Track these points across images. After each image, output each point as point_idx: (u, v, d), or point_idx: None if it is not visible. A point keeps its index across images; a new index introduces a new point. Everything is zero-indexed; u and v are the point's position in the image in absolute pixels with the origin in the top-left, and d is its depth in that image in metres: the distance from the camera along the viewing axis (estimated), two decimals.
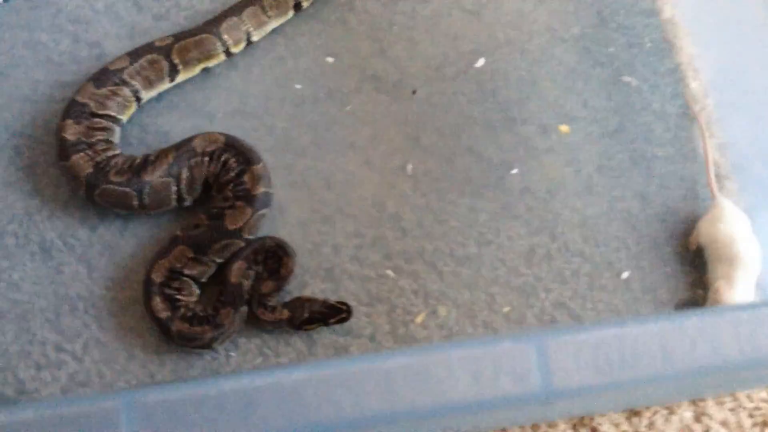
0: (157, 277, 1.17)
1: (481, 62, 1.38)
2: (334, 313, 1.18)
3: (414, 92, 1.35)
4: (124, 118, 1.28)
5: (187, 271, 1.18)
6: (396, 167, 1.31)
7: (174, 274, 1.18)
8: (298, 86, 1.35)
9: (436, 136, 1.33)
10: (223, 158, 1.22)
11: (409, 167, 1.31)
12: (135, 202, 1.21)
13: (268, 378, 0.77)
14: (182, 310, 1.17)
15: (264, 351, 1.20)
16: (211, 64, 1.33)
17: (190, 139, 1.23)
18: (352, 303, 1.20)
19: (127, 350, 1.19)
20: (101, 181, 1.20)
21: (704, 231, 1.24)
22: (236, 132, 1.29)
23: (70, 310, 1.21)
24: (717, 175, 1.31)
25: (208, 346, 1.17)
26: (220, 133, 1.24)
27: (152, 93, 1.30)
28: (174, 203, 1.23)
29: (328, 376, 0.76)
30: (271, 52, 1.37)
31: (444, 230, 1.27)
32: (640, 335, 0.80)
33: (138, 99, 1.29)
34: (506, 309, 1.23)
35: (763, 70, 1.41)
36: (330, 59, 1.37)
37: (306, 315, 1.17)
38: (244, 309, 1.18)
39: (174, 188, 1.21)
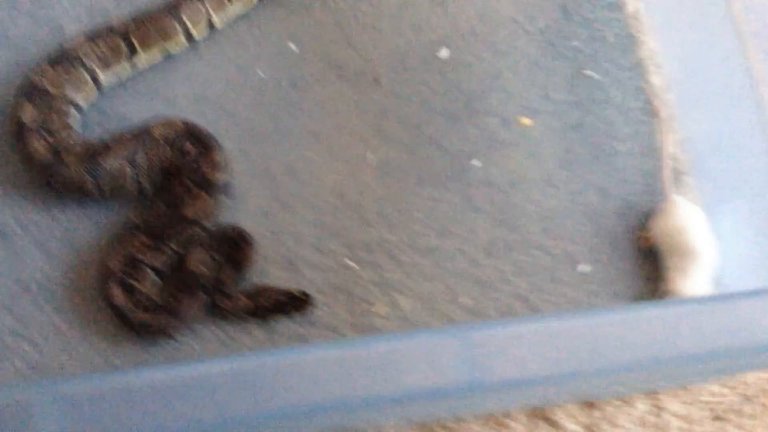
0: (115, 266, 1.16)
1: (444, 53, 1.38)
2: (294, 303, 1.17)
3: (377, 82, 1.35)
4: (82, 101, 1.26)
5: (145, 260, 1.18)
6: (358, 157, 1.31)
7: (132, 263, 1.17)
8: (261, 73, 1.34)
9: (399, 126, 1.33)
10: (182, 145, 1.21)
11: (372, 157, 1.31)
12: (92, 188, 1.19)
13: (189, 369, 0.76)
14: (140, 298, 1.16)
15: (223, 339, 1.19)
16: (171, 48, 1.31)
17: (149, 125, 1.22)
18: (312, 292, 1.20)
19: (84, 337, 1.18)
20: (57, 166, 1.18)
21: (657, 227, 1.25)
22: (198, 119, 1.28)
23: (28, 296, 1.19)
24: (675, 171, 1.33)
25: (167, 334, 1.16)
26: (180, 120, 1.23)
27: (111, 76, 1.28)
28: (132, 189, 1.22)
29: (248, 368, 0.75)
30: (233, 39, 1.36)
31: (405, 221, 1.27)
32: (565, 330, 0.81)
33: (96, 81, 1.27)
34: (465, 300, 1.24)
35: (723, 67, 1.42)
36: (293, 46, 1.36)
37: (265, 303, 1.17)
38: (204, 297, 1.18)
39: (132, 175, 1.20)
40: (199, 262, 1.18)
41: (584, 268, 1.27)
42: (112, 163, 1.19)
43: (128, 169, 1.20)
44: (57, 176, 1.19)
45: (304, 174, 1.29)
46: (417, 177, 1.30)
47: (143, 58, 1.30)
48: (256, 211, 1.26)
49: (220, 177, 1.19)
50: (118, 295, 1.15)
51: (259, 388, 0.75)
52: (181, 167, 1.20)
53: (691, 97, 1.39)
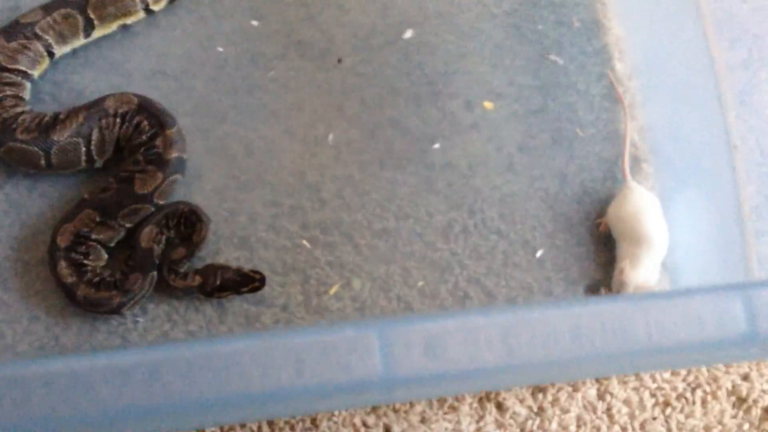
0: (63, 242, 1.14)
1: (409, 33, 1.36)
2: (247, 282, 1.16)
3: (340, 61, 1.33)
4: (35, 73, 1.24)
5: (94, 236, 1.16)
6: (318, 137, 1.29)
7: (80, 239, 1.15)
8: (220, 49, 1.32)
9: (360, 107, 1.31)
10: (135, 120, 1.19)
11: (331, 137, 1.29)
12: (42, 161, 1.17)
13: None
14: (89, 275, 1.14)
15: (173, 317, 1.18)
16: (129, 20, 1.29)
17: (102, 99, 1.20)
18: (266, 272, 1.19)
19: (30, 312, 1.17)
20: (7, 138, 1.16)
21: (613, 212, 1.25)
22: (154, 93, 1.26)
23: None
24: (634, 158, 1.33)
25: (115, 311, 1.15)
26: (134, 94, 1.21)
27: (66, 49, 1.26)
28: (83, 164, 1.20)
29: (176, 357, 0.75)
30: (194, 12, 1.33)
31: (363, 202, 1.27)
32: (486, 325, 0.81)
33: (51, 54, 1.24)
34: (421, 283, 1.24)
35: (685, 56, 1.43)
36: (255, 22, 1.34)
37: (218, 282, 1.16)
38: (154, 274, 1.16)
39: (83, 149, 1.18)
40: (151, 238, 1.16)
41: (540, 253, 1.27)
42: (64, 136, 1.17)
43: (80, 144, 1.17)
44: (7, 149, 1.16)
45: (262, 153, 1.27)
46: (377, 159, 1.29)
47: (99, 32, 1.27)
48: (211, 189, 1.24)
49: (174, 154, 1.18)
50: (65, 272, 1.13)
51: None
52: (134, 143, 1.18)
53: (653, 84, 1.39)
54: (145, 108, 1.19)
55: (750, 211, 1.31)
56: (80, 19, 1.24)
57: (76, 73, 1.28)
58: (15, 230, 1.19)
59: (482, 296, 1.24)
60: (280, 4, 1.36)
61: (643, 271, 1.20)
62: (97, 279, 1.14)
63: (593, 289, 1.26)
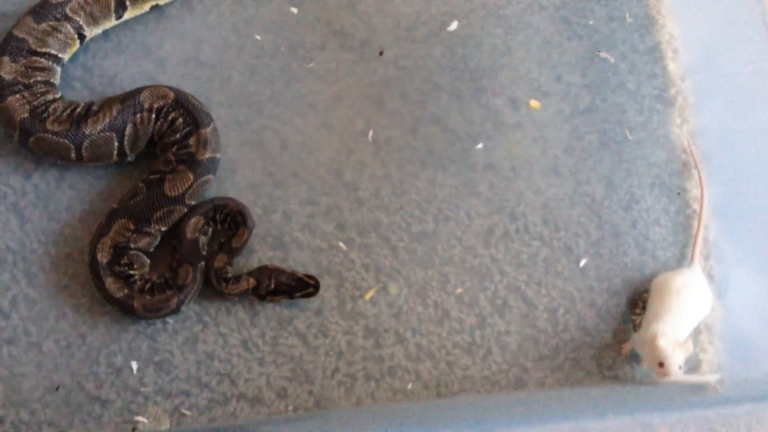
0: (104, 257, 1.10)
1: (454, 25, 1.30)
2: (301, 287, 1.12)
3: (381, 53, 1.27)
4: (65, 57, 1.19)
5: (132, 245, 1.11)
6: (357, 132, 1.24)
7: (120, 251, 1.11)
8: (257, 36, 1.26)
9: (401, 102, 1.26)
10: (171, 117, 1.14)
11: (371, 133, 1.24)
12: (72, 155, 1.13)
13: None
14: (138, 283, 1.10)
15: (203, 319, 1.14)
16: (162, 0, 1.23)
17: (137, 92, 1.15)
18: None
19: (57, 308, 1.13)
20: (37, 129, 1.11)
21: (662, 284, 1.18)
22: (188, 82, 1.21)
23: (2, 265, 1.13)
24: (684, 163, 1.28)
25: (175, 311, 1.11)
26: (170, 88, 1.15)
27: (97, 30, 1.20)
28: (115, 158, 1.15)
29: None
30: None
31: (402, 203, 1.22)
32: None
33: (81, 37, 1.19)
34: (459, 290, 1.19)
35: (744, 55, 1.36)
36: (294, 10, 1.28)
37: (272, 286, 1.12)
38: (203, 264, 1.12)
39: (116, 143, 1.13)
40: (197, 229, 1.12)
41: (584, 262, 1.22)
42: (97, 130, 1.12)
43: (113, 138, 1.13)
44: (36, 139, 1.12)
45: (299, 148, 1.22)
46: (417, 157, 1.23)
47: (131, 13, 1.22)
48: (246, 185, 1.20)
49: (207, 155, 1.13)
50: (113, 287, 1.09)
51: None
52: (167, 141, 1.13)
53: (707, 85, 1.33)
54: (181, 104, 1.14)
55: None
56: (113, 2, 1.19)
57: (107, 58, 1.22)
58: (43, 223, 1.15)
59: (522, 305, 1.20)
60: None
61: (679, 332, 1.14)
62: (148, 285, 1.10)
63: (636, 303, 1.21)
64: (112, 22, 1.22)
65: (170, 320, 1.13)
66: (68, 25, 1.17)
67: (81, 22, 1.18)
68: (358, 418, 1.11)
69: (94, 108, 1.14)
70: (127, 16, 1.22)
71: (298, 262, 1.17)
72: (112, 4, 1.20)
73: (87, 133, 1.12)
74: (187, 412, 1.11)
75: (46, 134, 1.11)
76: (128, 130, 1.13)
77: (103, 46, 1.23)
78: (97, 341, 1.12)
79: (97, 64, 1.22)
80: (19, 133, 1.12)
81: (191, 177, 1.11)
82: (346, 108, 1.25)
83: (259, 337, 1.14)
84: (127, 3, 1.20)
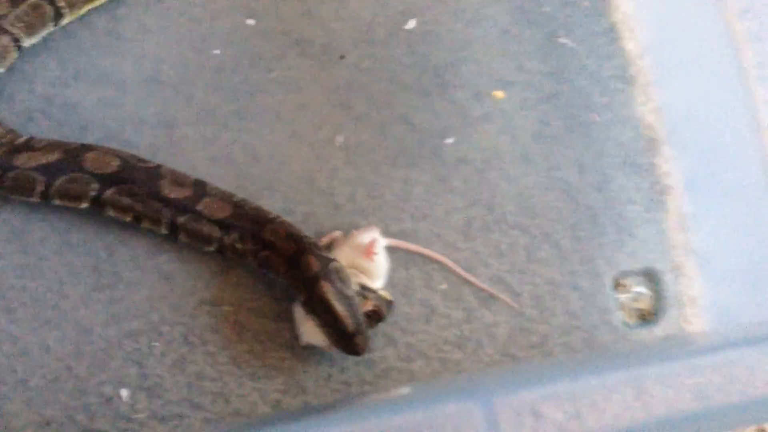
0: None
1: (412, 23, 1.30)
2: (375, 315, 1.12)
3: (342, 57, 1.27)
4: (2, 68, 1.17)
5: None
6: (326, 138, 1.24)
7: None
8: (216, 51, 1.25)
9: (368, 105, 1.26)
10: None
11: (340, 138, 1.24)
12: None
13: None
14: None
15: (189, 339, 1.13)
16: (97, 2, 1.21)
17: (83, 149, 1.12)
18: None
19: (40, 343, 1.11)
20: None
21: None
22: (151, 103, 1.20)
23: None
24: (652, 141, 1.29)
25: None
26: (118, 155, 1.13)
27: (34, 40, 1.18)
28: (37, 199, 1.12)
29: None
30: (185, 14, 1.26)
31: (378, 205, 1.22)
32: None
33: (19, 48, 1.17)
34: (443, 286, 1.19)
35: (700, 31, 1.38)
36: (251, 21, 1.27)
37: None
38: None
39: (41, 188, 1.11)
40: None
41: (563, 246, 1.23)
42: (27, 167, 1.09)
43: (39, 182, 1.10)
44: None
45: (269, 159, 1.22)
46: (389, 158, 1.23)
47: (68, 18, 1.20)
48: None
49: None
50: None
51: None
52: None
53: (667, 62, 1.35)
54: (127, 175, 1.11)
55: None
56: (49, 9, 1.16)
57: (67, 87, 1.21)
58: (19, 257, 1.13)
59: (508, 295, 1.20)
60: (275, 1, 1.29)
61: None
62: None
63: (620, 282, 1.22)
64: (49, 29, 1.19)
65: (156, 343, 1.12)
66: (5, 38, 1.15)
67: (19, 34, 1.16)
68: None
69: (37, 145, 1.12)
70: (64, 22, 1.20)
71: None
72: (50, 13, 1.18)
73: (16, 165, 1.09)
74: None
75: None
76: (59, 182, 1.11)
77: (61, 74, 1.21)
78: (84, 372, 1.11)
79: (57, 93, 1.21)
80: None
81: None
82: (312, 115, 1.24)
83: (247, 352, 1.13)
84: (64, 11, 1.18)
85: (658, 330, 1.22)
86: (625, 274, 1.23)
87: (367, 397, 1.11)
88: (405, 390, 1.10)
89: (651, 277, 1.23)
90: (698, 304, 1.23)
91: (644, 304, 1.23)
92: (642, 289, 1.23)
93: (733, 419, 0.83)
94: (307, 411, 1.08)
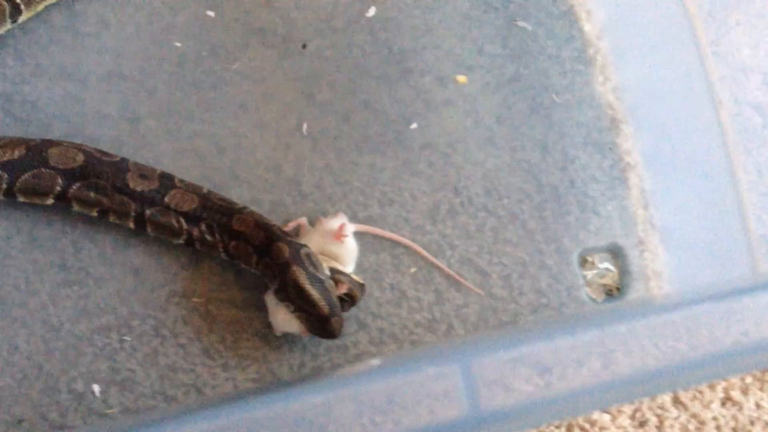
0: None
1: (372, 11, 1.31)
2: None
3: (304, 46, 1.27)
4: None
5: None
6: (291, 127, 1.24)
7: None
8: (177, 44, 1.25)
9: (331, 92, 1.26)
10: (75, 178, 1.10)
11: (305, 127, 1.24)
12: None
13: None
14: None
15: (161, 332, 1.13)
16: None
17: (47, 145, 1.11)
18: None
19: (9, 342, 1.10)
20: None
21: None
22: (113, 97, 1.19)
23: None
24: (612, 119, 1.31)
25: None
26: (82, 149, 1.12)
27: None
28: (0, 196, 1.11)
29: None
30: (145, 7, 1.26)
31: (345, 191, 1.22)
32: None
33: None
34: (413, 269, 1.20)
35: (656, 10, 1.40)
36: (211, 13, 1.27)
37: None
38: None
39: (4, 185, 1.09)
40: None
41: (530, 226, 1.24)
42: None
43: (3, 179, 1.09)
44: None
45: (235, 149, 1.22)
46: (354, 145, 1.24)
47: (26, 15, 1.18)
48: None
49: None
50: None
51: None
52: None
53: (624, 41, 1.37)
54: (92, 168, 1.10)
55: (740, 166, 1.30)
56: (6, 6, 1.15)
57: (27, 84, 1.20)
58: None
59: (477, 276, 1.21)
60: None
61: None
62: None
63: (585, 259, 1.24)
64: (6, 27, 1.18)
65: (127, 337, 1.12)
66: None
67: None
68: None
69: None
70: (22, 19, 1.19)
71: None
72: (8, 11, 1.16)
73: None
74: None
75: None
76: (24, 178, 1.09)
77: (20, 71, 1.20)
78: (55, 369, 1.10)
79: (17, 90, 1.19)
80: None
81: None
82: (276, 104, 1.25)
83: (219, 343, 1.14)
84: (22, 7, 1.17)
85: (624, 305, 1.24)
86: (591, 251, 1.25)
87: (341, 369, 1.11)
88: (375, 361, 1.11)
89: (616, 253, 1.25)
90: (662, 278, 1.25)
91: (610, 280, 1.25)
92: (607, 265, 1.25)
93: (698, 375, 0.86)
94: (282, 384, 1.08)
